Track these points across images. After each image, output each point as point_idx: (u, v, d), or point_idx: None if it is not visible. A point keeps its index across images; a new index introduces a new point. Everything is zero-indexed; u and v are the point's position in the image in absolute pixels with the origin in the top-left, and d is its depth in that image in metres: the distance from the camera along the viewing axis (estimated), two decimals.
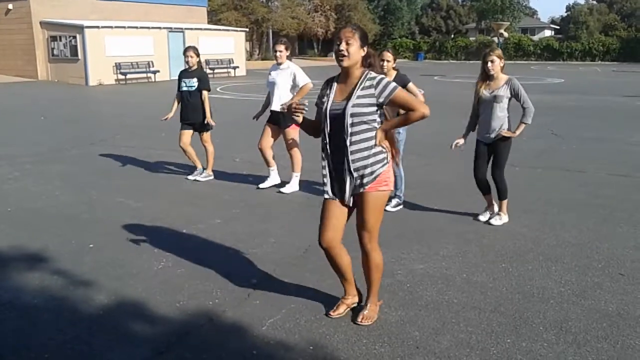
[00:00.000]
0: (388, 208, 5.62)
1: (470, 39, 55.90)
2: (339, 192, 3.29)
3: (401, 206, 5.77)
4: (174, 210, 5.84)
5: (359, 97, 3.12)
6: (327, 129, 3.21)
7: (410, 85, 5.62)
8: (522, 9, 58.64)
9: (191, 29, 28.90)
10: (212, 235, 5.07)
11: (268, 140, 6.50)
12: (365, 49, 3.18)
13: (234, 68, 31.04)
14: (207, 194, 6.53)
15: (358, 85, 3.14)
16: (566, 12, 68.26)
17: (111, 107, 16.82)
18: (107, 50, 25.74)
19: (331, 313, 3.50)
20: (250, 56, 37.97)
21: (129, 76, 26.17)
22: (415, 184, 6.27)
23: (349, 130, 3.14)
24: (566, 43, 53.76)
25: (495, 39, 33.47)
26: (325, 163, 3.29)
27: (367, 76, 3.16)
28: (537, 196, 6.34)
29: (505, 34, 33.95)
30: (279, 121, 6.36)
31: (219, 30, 33.44)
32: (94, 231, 5.12)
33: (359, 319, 3.43)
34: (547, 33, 63.46)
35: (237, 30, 33.58)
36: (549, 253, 4.60)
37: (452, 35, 61.16)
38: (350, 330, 3.34)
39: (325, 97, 3.25)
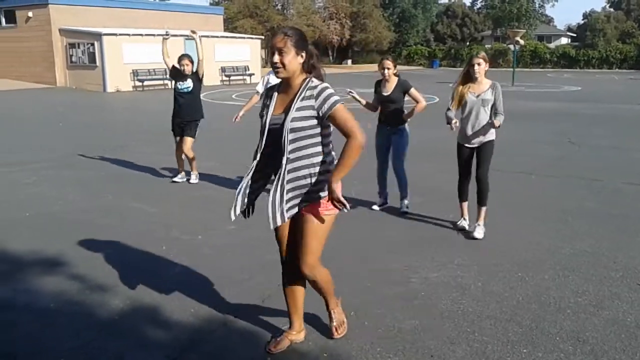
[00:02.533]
0: (403, 210, 5.88)
1: (486, 46, 55.69)
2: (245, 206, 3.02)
3: (409, 207, 5.91)
4: (189, 216, 5.87)
5: (298, 109, 2.79)
6: (263, 143, 2.92)
7: (412, 90, 5.79)
8: (538, 17, 58.40)
9: (207, 36, 29.09)
10: (227, 241, 5.08)
11: None
12: (303, 53, 2.84)
13: (250, 75, 31.23)
14: (222, 200, 6.54)
15: (297, 95, 2.82)
16: (583, 19, 67.99)
17: (128, 114, 16.98)
18: (125, 58, 26.05)
19: (271, 348, 3.17)
20: (265, 63, 38.14)
21: (146, 83, 26.44)
22: (427, 189, 6.26)
23: (288, 147, 2.80)
24: (583, 51, 53.38)
25: (511, 46, 33.24)
26: (247, 177, 2.99)
27: (308, 85, 2.83)
28: (553, 204, 6.28)
29: (521, 42, 33.75)
30: None
31: (235, 37, 33.70)
32: (110, 236, 5.15)
33: (334, 334, 3.29)
34: (564, 41, 63.08)
35: (252, 38, 33.81)
36: (566, 262, 4.55)
37: (468, 43, 61.02)
38: (365, 338, 3.32)
39: (265, 109, 2.96)
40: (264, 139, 2.91)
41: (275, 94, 2.96)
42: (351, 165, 2.76)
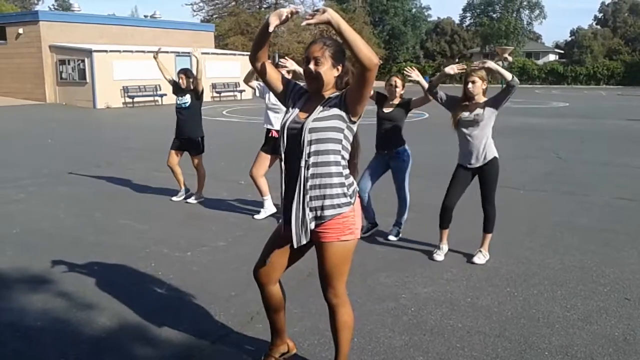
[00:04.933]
0: (390, 237, 5.59)
1: (475, 63, 56.21)
2: (286, 225, 2.76)
3: (400, 235, 5.62)
4: (178, 232, 5.85)
5: (322, 111, 2.65)
6: (283, 147, 2.73)
7: (413, 99, 5.44)
8: (526, 34, 59.20)
9: (204, 53, 29.20)
10: (217, 258, 5.06)
11: (261, 168, 6.27)
12: (340, 67, 2.71)
13: (240, 92, 31.31)
14: (211, 217, 6.53)
15: (325, 100, 2.70)
16: (570, 36, 68.83)
17: (118, 130, 16.96)
18: (115, 74, 26.08)
19: None
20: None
21: (136, 99, 26.46)
22: (419, 206, 6.26)
23: (306, 149, 2.62)
24: (570, 67, 54.07)
25: (500, 63, 33.61)
26: (282, 188, 2.79)
27: (335, 94, 2.71)
28: (542, 219, 6.31)
29: (510, 58, 34.14)
30: (276, 149, 5.91)
31: (226, 54, 33.82)
32: (98, 253, 5.12)
33: None
34: (552, 57, 63.80)
35: (243, 55, 33.93)
36: (554, 277, 4.57)
37: (457, 60, 61.51)
38: (354, 354, 3.30)
39: (287, 112, 2.79)
40: (283, 146, 2.72)
41: (304, 99, 2.80)
42: (356, 37, 2.45)
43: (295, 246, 2.72)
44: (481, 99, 4.82)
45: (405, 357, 3.30)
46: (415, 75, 5.25)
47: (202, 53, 7.30)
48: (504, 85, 4.75)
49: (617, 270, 4.70)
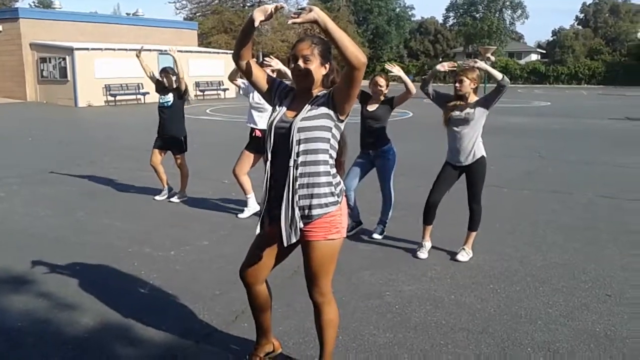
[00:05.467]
0: (375, 236, 5.59)
1: (458, 62, 56.54)
2: (272, 225, 2.76)
3: (384, 233, 5.63)
4: (161, 232, 5.81)
5: (311, 108, 2.65)
6: (270, 146, 2.71)
7: (396, 97, 5.44)
8: (508, 34, 59.69)
9: (181, 51, 28.87)
10: (200, 257, 5.04)
11: (245, 167, 6.24)
12: (327, 65, 2.71)
13: (224, 90, 31.20)
14: (195, 216, 6.50)
15: (311, 100, 2.69)
16: (552, 36, 69.55)
17: (100, 129, 16.79)
18: (97, 72, 25.83)
19: None
20: (241, 77, 38.22)
21: (118, 98, 26.25)
22: (403, 205, 6.28)
23: (295, 148, 2.61)
24: (552, 67, 54.70)
25: (483, 62, 33.83)
26: (264, 188, 2.76)
27: (322, 92, 2.72)
28: (525, 217, 6.37)
29: (492, 58, 34.33)
30: (260, 148, 5.89)
31: (209, 52, 33.66)
32: (81, 253, 5.07)
33: None
34: (534, 57, 64.44)
35: (227, 53, 33.77)
36: (537, 274, 4.61)
37: (440, 59, 61.88)
38: (339, 352, 3.30)
39: (274, 111, 2.77)
40: (270, 145, 2.70)
41: (290, 98, 2.79)
42: (343, 36, 2.43)
43: (285, 245, 2.69)
44: (472, 98, 4.84)
45: (389, 354, 3.31)
46: (397, 70, 5.30)
47: (186, 51, 7.29)
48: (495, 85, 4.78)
49: (599, 267, 4.76)
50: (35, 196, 7.41)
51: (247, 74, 2.83)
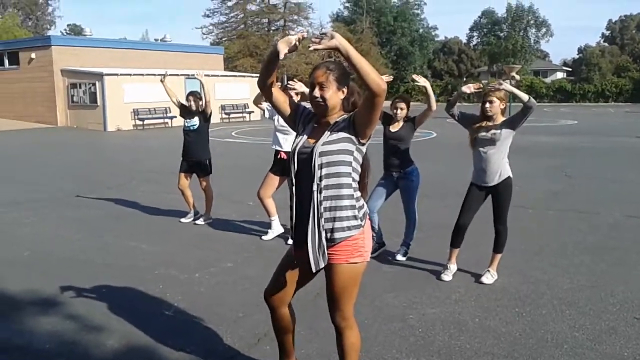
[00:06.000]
0: (398, 257, 5.57)
1: (483, 81, 56.33)
2: (298, 249, 2.80)
3: (407, 254, 5.61)
4: (186, 254, 5.88)
5: (331, 134, 2.68)
6: (294, 172, 2.75)
7: (418, 115, 5.47)
8: (533, 52, 59.33)
9: (207, 75, 29.39)
10: (224, 279, 5.08)
11: (269, 189, 6.28)
12: (345, 89, 2.74)
13: (249, 113, 31.53)
14: (219, 238, 6.57)
15: (332, 125, 2.73)
16: (578, 54, 68.93)
17: (128, 153, 17.11)
18: (126, 97, 26.35)
19: None
20: (266, 101, 38.64)
21: (146, 122, 26.72)
22: (427, 226, 6.26)
23: (317, 172, 2.64)
24: (579, 85, 54.12)
25: (508, 81, 33.71)
26: (293, 212, 2.80)
27: (343, 117, 2.76)
28: (551, 238, 6.29)
29: (517, 77, 34.15)
30: (285, 170, 5.95)
31: (235, 76, 34.13)
32: (108, 275, 5.15)
33: None
34: (559, 75, 63.90)
35: (252, 76, 34.22)
36: (563, 297, 4.54)
37: (465, 79, 61.76)
38: None
39: (297, 137, 2.83)
40: (294, 172, 2.74)
41: (313, 123, 2.83)
42: (364, 63, 2.46)
43: (313, 270, 2.71)
44: (499, 118, 4.83)
45: None
46: (423, 81, 5.29)
47: (212, 75, 7.45)
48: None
49: (627, 289, 4.67)
50: (64, 219, 7.57)
51: (271, 100, 2.89)
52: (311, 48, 2.53)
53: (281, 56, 2.56)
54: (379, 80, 2.50)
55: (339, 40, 2.44)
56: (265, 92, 2.87)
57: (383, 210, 5.70)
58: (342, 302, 2.78)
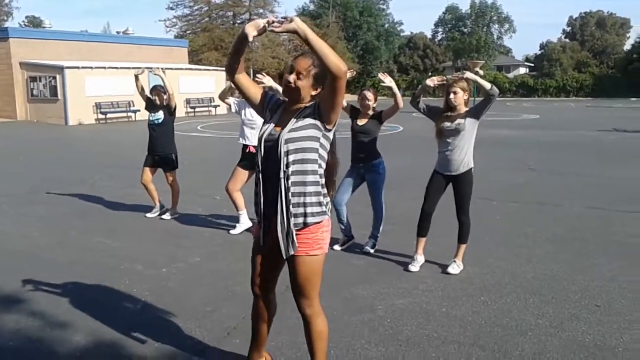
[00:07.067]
0: (366, 249, 5.61)
1: (447, 76, 56.95)
2: (267, 236, 2.82)
3: (376, 247, 5.65)
4: (153, 249, 5.80)
5: (297, 121, 2.70)
6: (261, 159, 2.77)
7: (384, 111, 5.50)
8: (496, 48, 60.29)
9: (172, 68, 29.11)
10: (191, 274, 5.04)
11: (238, 183, 6.26)
12: (319, 89, 2.75)
13: (215, 107, 31.23)
14: (186, 232, 6.50)
15: (298, 112, 2.75)
16: (540, 50, 70.14)
17: (90, 147, 16.77)
18: (87, 91, 25.82)
19: None
20: (231, 95, 38.31)
21: (109, 116, 26.23)
22: (394, 218, 6.32)
23: (284, 159, 2.66)
24: (541, 80, 55.22)
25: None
26: (260, 197, 2.80)
27: (310, 104, 2.77)
28: (514, 230, 6.42)
29: (481, 72, 34.75)
30: (253, 164, 6.02)
31: (200, 70, 33.78)
32: (72, 272, 5.06)
33: None
34: (522, 70, 65.02)
35: (217, 70, 33.92)
36: (527, 286, 4.65)
37: (430, 74, 62.25)
38: None
39: (267, 121, 2.83)
40: (261, 159, 2.76)
41: (280, 111, 2.83)
42: (323, 46, 2.50)
43: (284, 257, 2.76)
44: (463, 109, 4.93)
45: None
46: (389, 81, 5.33)
47: (176, 69, 7.35)
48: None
49: (588, 278, 4.81)
50: (27, 216, 7.39)
51: (240, 87, 2.88)
52: (269, 28, 2.54)
53: (250, 38, 2.56)
54: (338, 62, 2.52)
55: (298, 24, 2.48)
56: (234, 80, 2.86)
57: (351, 203, 5.73)
58: (307, 291, 2.84)
